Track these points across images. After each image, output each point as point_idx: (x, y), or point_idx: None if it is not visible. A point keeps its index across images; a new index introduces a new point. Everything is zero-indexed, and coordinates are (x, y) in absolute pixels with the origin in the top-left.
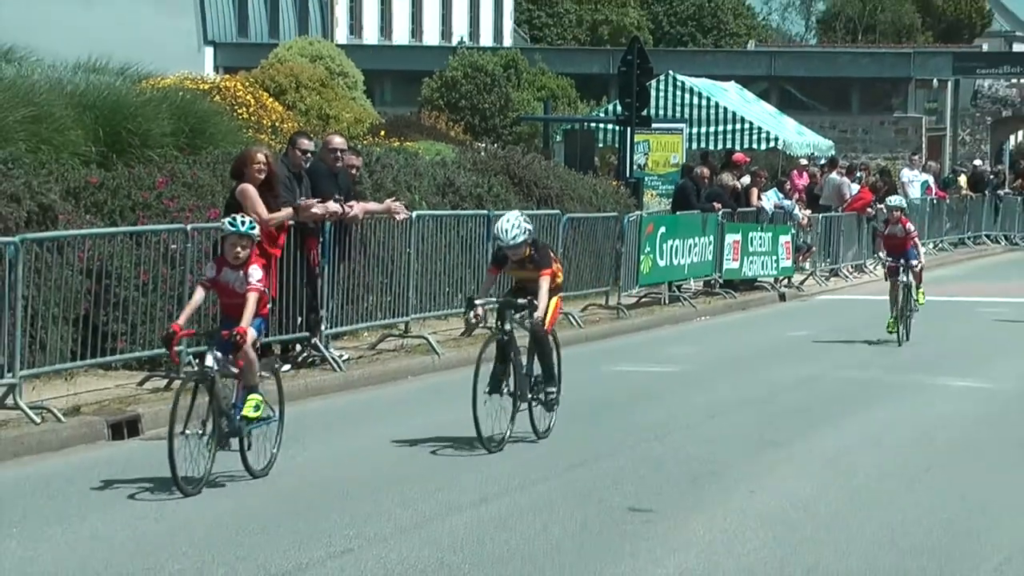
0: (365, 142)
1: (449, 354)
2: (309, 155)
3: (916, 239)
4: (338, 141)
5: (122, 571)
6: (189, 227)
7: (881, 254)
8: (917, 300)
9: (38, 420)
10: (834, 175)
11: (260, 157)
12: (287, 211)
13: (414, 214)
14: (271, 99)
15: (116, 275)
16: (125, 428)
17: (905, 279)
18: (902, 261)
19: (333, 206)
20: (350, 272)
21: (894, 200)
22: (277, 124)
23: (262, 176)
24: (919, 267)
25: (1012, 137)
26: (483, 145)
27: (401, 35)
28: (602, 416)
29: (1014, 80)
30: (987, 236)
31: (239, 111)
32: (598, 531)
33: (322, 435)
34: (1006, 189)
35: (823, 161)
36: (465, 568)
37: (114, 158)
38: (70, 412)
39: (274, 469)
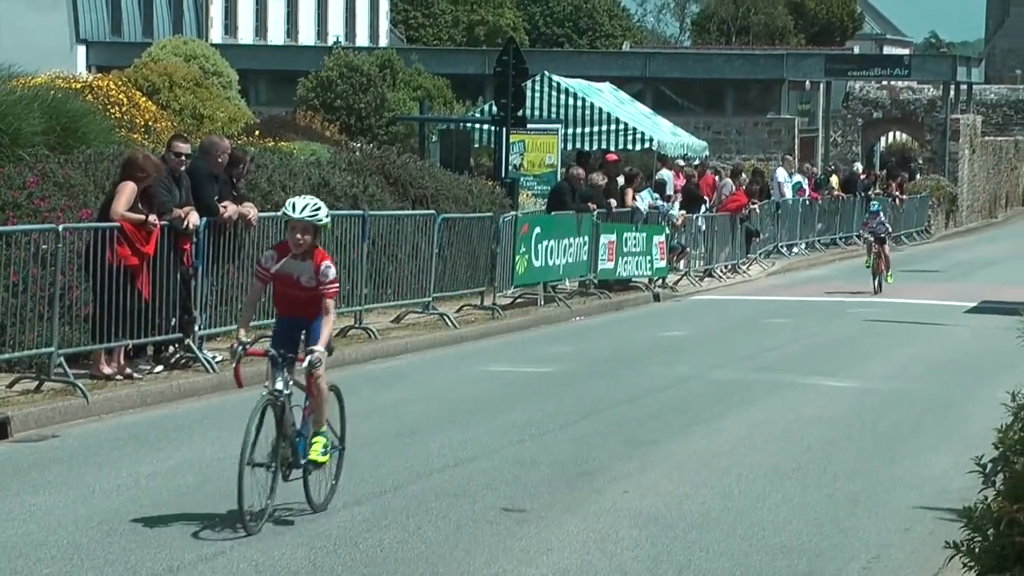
0: (240, 142)
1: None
2: (184, 158)
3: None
4: (221, 144)
5: None
6: (60, 227)
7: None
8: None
9: None
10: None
11: (145, 161)
12: (138, 216)
13: None
14: (144, 98)
15: None
16: None
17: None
18: None
19: (232, 208)
20: (224, 273)
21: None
22: (150, 124)
23: (148, 181)
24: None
25: (883, 139)
26: (358, 145)
27: (276, 35)
28: (476, 416)
29: (884, 82)
30: (858, 236)
31: (112, 110)
32: (472, 531)
33: (194, 436)
34: (876, 190)
35: (696, 162)
36: (338, 570)
37: None
38: None
39: (144, 469)
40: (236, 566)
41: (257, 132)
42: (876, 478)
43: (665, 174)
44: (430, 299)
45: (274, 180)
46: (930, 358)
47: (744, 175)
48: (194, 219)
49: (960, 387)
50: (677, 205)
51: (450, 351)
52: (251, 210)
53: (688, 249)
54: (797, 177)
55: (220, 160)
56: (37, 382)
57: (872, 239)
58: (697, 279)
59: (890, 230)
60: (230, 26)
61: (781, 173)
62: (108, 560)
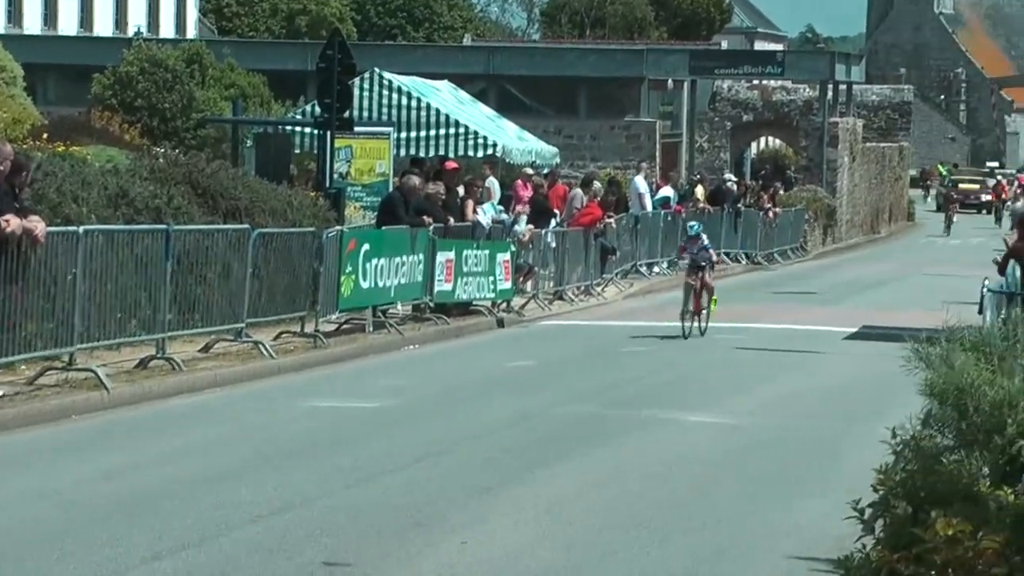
0: (25, 146)
1: (121, 389)
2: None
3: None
4: (7, 150)
5: None
6: None
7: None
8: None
9: None
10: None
11: None
12: None
13: (81, 229)
14: None
15: None
16: None
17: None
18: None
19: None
20: (6, 295)
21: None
22: None
23: None
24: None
25: (754, 144)
26: (162, 150)
27: (68, 25)
28: (296, 459)
29: (755, 81)
30: (727, 254)
31: None
32: None
33: None
34: (747, 202)
35: (546, 171)
36: None
37: None
38: None
39: None
40: None
41: (45, 135)
42: (745, 526)
43: (491, 182)
44: (243, 325)
45: (64, 190)
46: (806, 391)
47: (598, 185)
48: (14, 224)
49: (838, 423)
50: (524, 219)
51: (267, 384)
52: (37, 224)
53: (536, 268)
54: (667, 191)
55: (0, 168)
56: None
57: (690, 268)
58: (546, 302)
59: (714, 258)
60: (14, 14)
61: (640, 183)
62: None
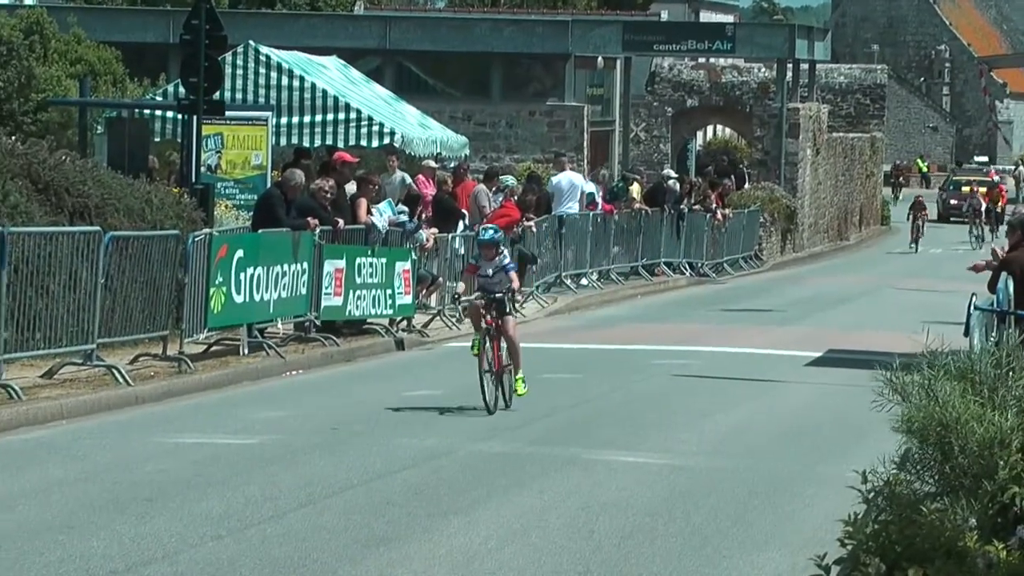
0: None
1: None
2: None
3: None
4: None
5: None
6: None
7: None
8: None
9: None
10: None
11: None
12: None
13: None
14: None
15: None
16: None
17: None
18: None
19: None
20: None
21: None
22: None
23: None
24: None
25: (699, 134)
26: None
27: None
28: (156, 505)
29: (701, 59)
30: (667, 264)
31: None
32: None
33: None
34: (691, 202)
35: (453, 164)
36: None
37: None
38: None
39: None
40: None
41: None
42: None
43: (397, 176)
44: (94, 346)
45: None
46: (760, 426)
47: (513, 181)
48: None
49: (799, 464)
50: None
51: (121, 417)
52: None
53: (441, 280)
54: (589, 186)
55: None
56: None
57: (482, 303)
58: (454, 320)
59: (516, 285)
60: None
61: (566, 178)
62: None
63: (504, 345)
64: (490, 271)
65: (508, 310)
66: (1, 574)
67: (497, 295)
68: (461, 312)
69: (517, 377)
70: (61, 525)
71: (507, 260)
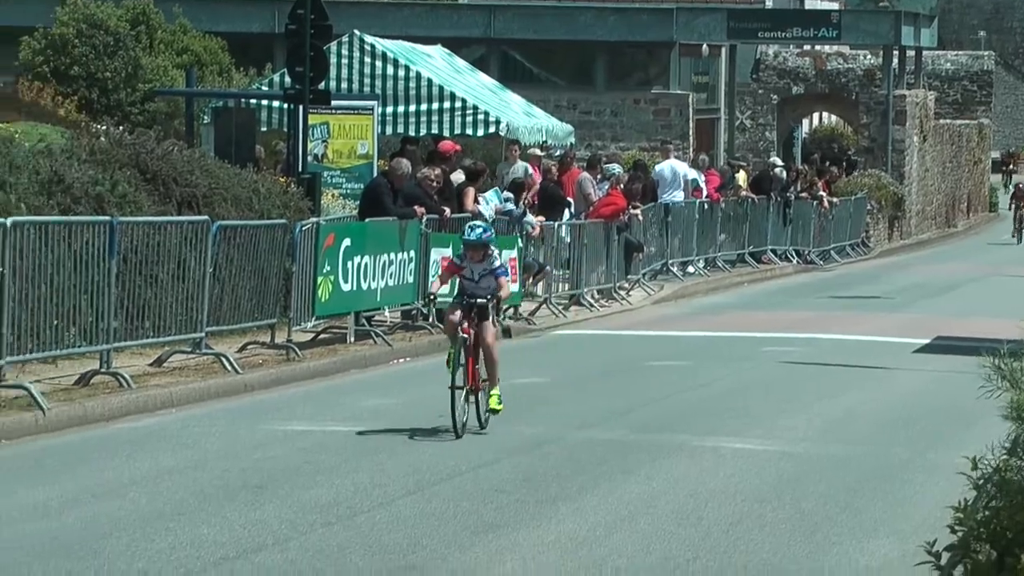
0: None
1: (58, 409)
2: None
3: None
4: None
5: None
6: None
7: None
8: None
9: None
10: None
11: None
12: None
13: (8, 221)
14: None
15: None
16: None
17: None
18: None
19: None
20: None
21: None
22: None
23: None
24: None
25: (805, 121)
26: (104, 128)
27: None
28: (266, 492)
29: (807, 47)
30: (773, 251)
31: None
32: None
33: None
34: (798, 190)
35: (558, 152)
36: None
37: None
38: None
39: None
40: None
41: None
42: (797, 571)
43: (520, 167)
44: (203, 335)
45: None
46: (868, 412)
47: (619, 169)
48: None
49: (907, 450)
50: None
51: (230, 405)
52: None
53: (548, 268)
54: (692, 173)
55: None
56: None
57: (457, 315)
58: (560, 308)
59: (504, 292)
60: None
61: (668, 166)
62: None
63: (481, 361)
64: (476, 274)
65: (488, 317)
66: (113, 560)
67: (479, 300)
68: (433, 316)
69: (492, 392)
70: (171, 512)
71: (497, 263)
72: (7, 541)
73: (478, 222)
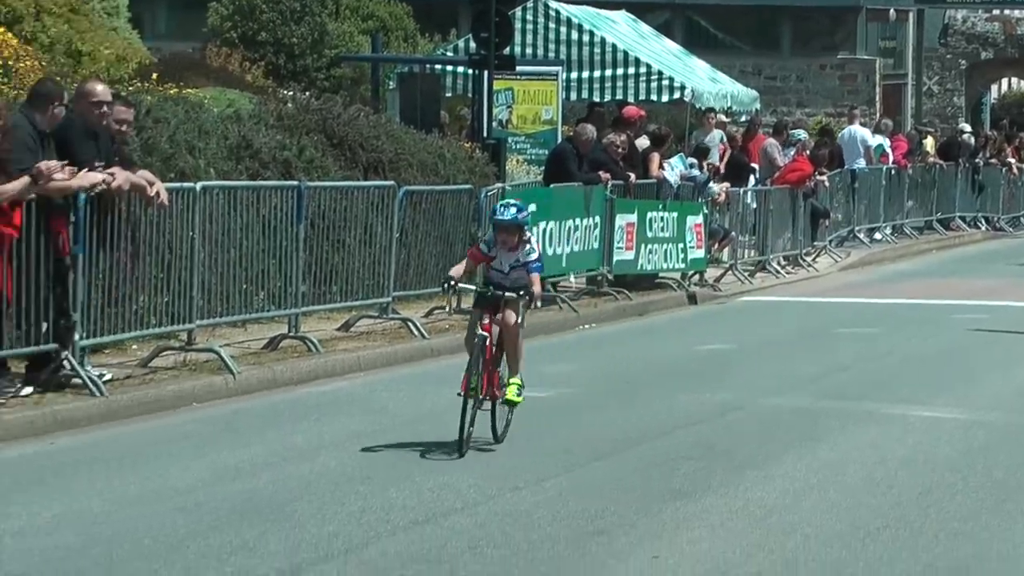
0: (132, 88)
1: (247, 373)
2: (106, 108)
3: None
4: (101, 90)
5: None
6: None
7: None
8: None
9: None
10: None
11: None
12: (21, 181)
13: (198, 186)
14: (2, 29)
15: None
16: None
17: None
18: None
19: (94, 176)
20: (113, 264)
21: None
22: (11, 62)
23: None
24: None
25: (994, 87)
26: (291, 93)
27: None
28: (454, 457)
29: (995, 11)
30: (961, 218)
31: None
32: None
33: (74, 484)
34: (986, 156)
35: (743, 118)
36: None
37: None
38: None
39: (9, 526)
40: None
41: (155, 75)
42: (989, 540)
43: (716, 135)
44: (390, 300)
45: (178, 140)
46: None
47: (804, 135)
48: (120, 179)
49: None
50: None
51: (417, 369)
52: (156, 182)
53: (734, 235)
54: (876, 139)
55: (100, 112)
56: None
57: (481, 300)
58: (746, 274)
59: (538, 290)
60: None
61: (849, 132)
62: None
63: (503, 360)
64: (506, 265)
65: (522, 316)
66: (303, 523)
67: (507, 293)
68: (450, 305)
69: (511, 381)
70: (361, 476)
71: (534, 255)
72: (201, 503)
73: (512, 200)
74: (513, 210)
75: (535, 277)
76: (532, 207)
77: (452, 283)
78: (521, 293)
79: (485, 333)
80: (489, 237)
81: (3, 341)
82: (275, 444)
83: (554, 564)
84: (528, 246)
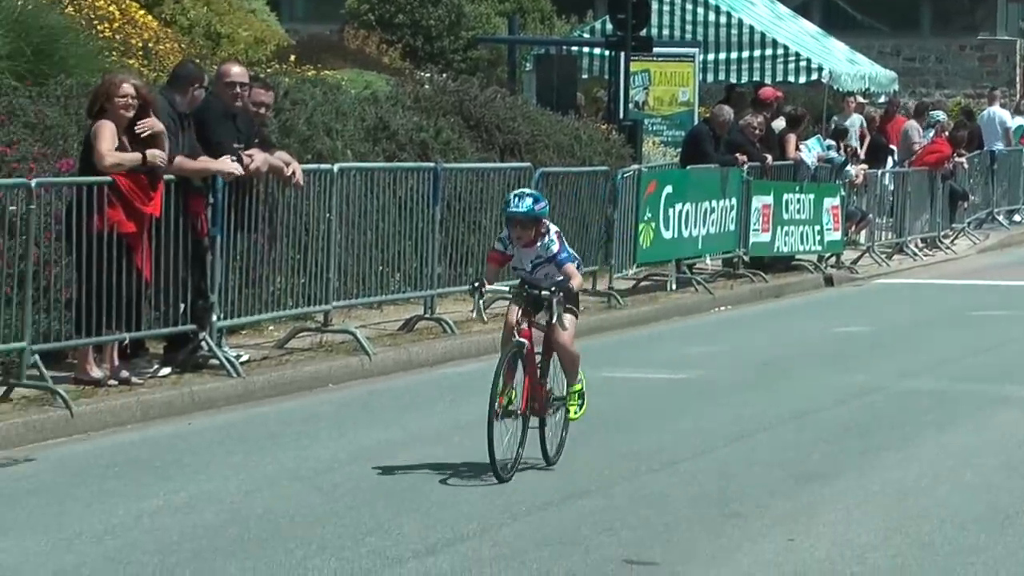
0: (270, 70)
1: (383, 354)
2: (239, 88)
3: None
4: (237, 72)
5: None
6: (34, 183)
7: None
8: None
9: None
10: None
11: (127, 88)
12: (133, 155)
13: (335, 167)
14: (142, 12)
15: None
16: None
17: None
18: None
19: (231, 166)
20: (251, 245)
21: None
22: (151, 45)
23: (130, 113)
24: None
25: None
26: (428, 75)
27: None
28: (588, 439)
29: None
30: None
31: (100, 27)
32: None
33: (211, 464)
34: None
35: (881, 99)
36: None
37: None
38: None
39: (147, 505)
40: None
41: (293, 57)
42: None
43: (856, 119)
44: None
45: (316, 121)
46: None
47: (943, 116)
48: (259, 160)
49: None
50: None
51: None
52: (291, 163)
53: (871, 217)
54: (1017, 120)
55: (236, 93)
56: (5, 388)
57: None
58: (883, 256)
59: (577, 284)
60: None
61: (997, 113)
62: None
63: (551, 368)
64: (526, 263)
65: (557, 314)
66: (438, 504)
67: (542, 292)
68: (478, 310)
69: (572, 389)
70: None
71: (555, 247)
72: (337, 484)
73: (527, 189)
74: (529, 201)
75: (569, 268)
76: (669, 188)
77: (478, 285)
78: (554, 290)
79: (523, 340)
80: (505, 234)
81: (142, 322)
82: (411, 425)
83: (689, 546)
84: (547, 238)
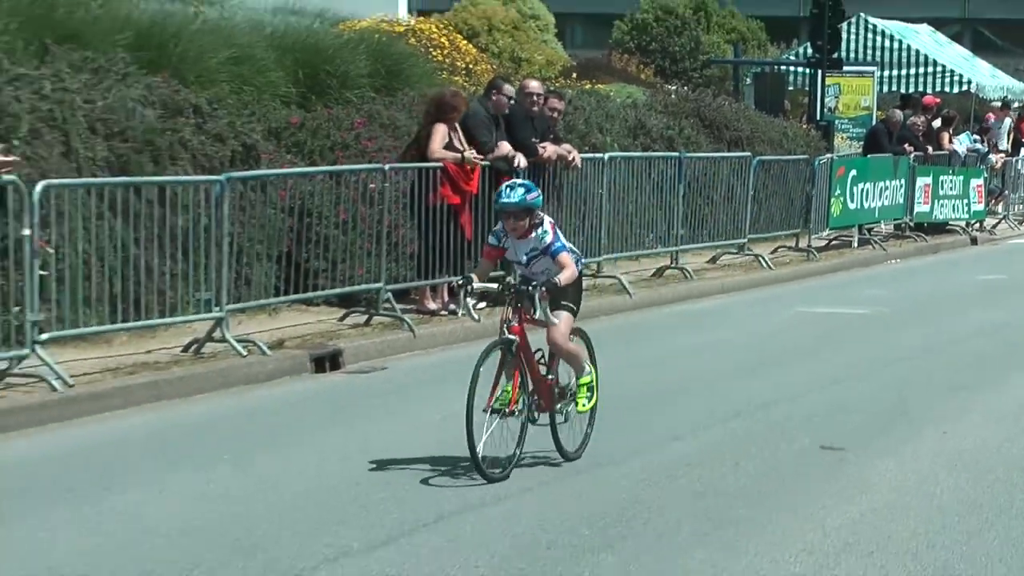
0: (557, 84)
1: (641, 294)
2: (508, 100)
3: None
4: (534, 86)
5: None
6: (387, 167)
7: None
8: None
9: (244, 353)
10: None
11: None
12: (453, 154)
13: (606, 156)
14: (465, 42)
15: (316, 213)
16: (327, 362)
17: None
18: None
19: (522, 162)
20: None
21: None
22: (471, 66)
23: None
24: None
25: None
26: (673, 88)
27: None
28: (792, 357)
29: None
30: None
31: (434, 53)
32: (791, 469)
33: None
34: None
35: (1016, 104)
36: (661, 501)
37: (313, 99)
38: (275, 345)
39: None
40: (557, 498)
41: (574, 74)
42: None
43: (1007, 123)
44: (745, 240)
45: (591, 122)
46: None
47: None
48: (521, 159)
49: None
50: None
51: (765, 292)
52: (573, 151)
53: (1007, 193)
54: None
55: (532, 101)
56: (367, 316)
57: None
58: (1016, 223)
59: (571, 270)
60: None
61: None
62: (440, 484)
63: (553, 365)
64: (521, 255)
65: (539, 309)
66: (690, 404)
67: (531, 287)
68: (467, 309)
69: (581, 382)
70: (726, 372)
71: (549, 238)
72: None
73: (520, 180)
74: (521, 191)
75: (564, 257)
76: (853, 171)
77: (462, 283)
78: (535, 284)
79: (512, 336)
80: (498, 228)
81: (465, 268)
82: (662, 348)
83: (867, 438)
84: (541, 228)
